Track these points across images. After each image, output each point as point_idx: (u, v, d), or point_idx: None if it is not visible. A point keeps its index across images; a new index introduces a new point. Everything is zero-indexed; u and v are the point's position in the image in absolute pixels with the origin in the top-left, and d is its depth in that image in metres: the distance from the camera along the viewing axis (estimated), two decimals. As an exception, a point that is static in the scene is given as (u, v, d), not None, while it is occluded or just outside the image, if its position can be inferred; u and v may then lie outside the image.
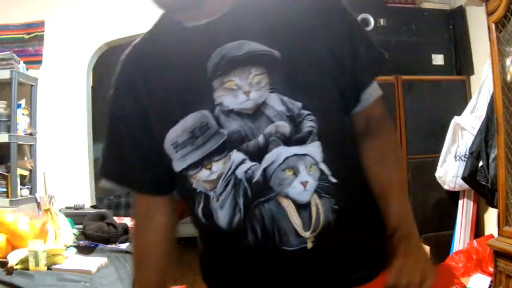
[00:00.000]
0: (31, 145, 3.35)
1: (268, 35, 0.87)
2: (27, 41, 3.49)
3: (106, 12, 3.60)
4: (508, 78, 2.29)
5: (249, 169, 0.85)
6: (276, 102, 0.85)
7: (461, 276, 2.73)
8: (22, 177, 3.18)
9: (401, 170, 0.99)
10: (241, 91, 0.85)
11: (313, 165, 0.85)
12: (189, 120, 0.87)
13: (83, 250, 2.25)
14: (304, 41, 0.88)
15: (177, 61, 0.90)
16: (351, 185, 0.90)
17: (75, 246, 2.28)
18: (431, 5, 3.44)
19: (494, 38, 2.35)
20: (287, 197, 0.85)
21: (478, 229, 3.10)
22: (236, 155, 0.85)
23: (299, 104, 0.85)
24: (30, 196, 3.19)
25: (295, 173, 0.85)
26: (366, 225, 0.92)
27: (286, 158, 0.85)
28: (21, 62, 3.26)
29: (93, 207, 3.21)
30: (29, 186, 3.25)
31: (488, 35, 2.40)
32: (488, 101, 2.68)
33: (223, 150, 0.86)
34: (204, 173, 0.88)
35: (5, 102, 3.12)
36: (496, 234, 2.36)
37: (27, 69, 3.32)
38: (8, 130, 3.06)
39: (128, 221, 2.73)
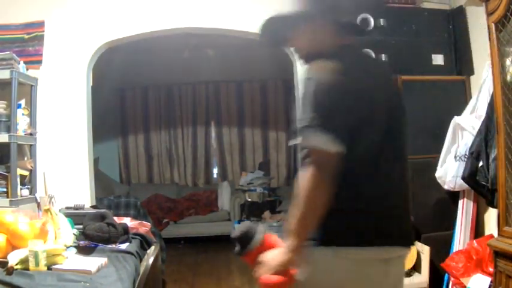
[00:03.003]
0: (31, 145, 3.35)
1: None
2: (27, 41, 3.49)
3: (106, 13, 3.60)
4: (508, 78, 2.29)
5: None
6: None
7: (461, 276, 2.73)
8: (22, 177, 3.18)
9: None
10: None
11: None
12: None
13: (83, 250, 2.25)
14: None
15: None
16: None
17: (75, 246, 2.27)
18: (431, 5, 3.44)
19: (494, 38, 2.35)
20: None
21: (478, 229, 3.10)
22: None
23: None
24: (30, 196, 3.19)
25: None
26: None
27: None
28: (21, 62, 3.26)
29: (93, 207, 3.21)
30: (29, 186, 3.25)
31: (488, 35, 2.40)
32: (488, 101, 2.68)
33: None
34: None
35: (5, 102, 3.12)
36: (496, 234, 2.36)
37: (27, 69, 3.32)
38: (8, 130, 3.06)
39: (127, 221, 2.73)
